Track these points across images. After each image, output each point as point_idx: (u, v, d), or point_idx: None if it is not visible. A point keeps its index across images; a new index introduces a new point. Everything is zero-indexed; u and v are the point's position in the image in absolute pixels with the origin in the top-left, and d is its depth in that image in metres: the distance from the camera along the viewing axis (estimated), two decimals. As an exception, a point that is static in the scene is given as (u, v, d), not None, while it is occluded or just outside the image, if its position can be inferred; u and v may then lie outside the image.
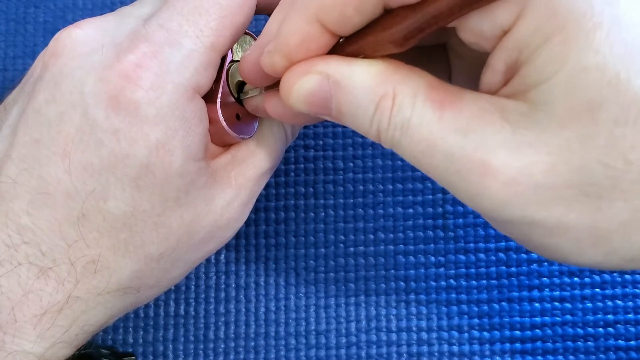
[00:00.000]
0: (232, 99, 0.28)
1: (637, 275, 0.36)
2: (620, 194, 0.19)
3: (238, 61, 0.28)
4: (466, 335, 0.36)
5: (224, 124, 0.27)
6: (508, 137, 0.20)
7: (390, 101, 0.22)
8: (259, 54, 0.24)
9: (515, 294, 0.36)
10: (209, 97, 0.27)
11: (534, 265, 0.37)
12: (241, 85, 0.28)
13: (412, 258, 0.37)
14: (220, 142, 0.28)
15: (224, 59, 0.27)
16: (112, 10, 0.39)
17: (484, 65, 0.22)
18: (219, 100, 0.27)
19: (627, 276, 0.36)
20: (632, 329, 0.36)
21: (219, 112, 0.27)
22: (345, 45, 0.23)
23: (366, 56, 0.22)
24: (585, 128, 0.19)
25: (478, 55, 0.22)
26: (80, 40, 0.26)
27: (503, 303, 0.36)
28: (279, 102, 0.25)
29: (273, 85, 0.26)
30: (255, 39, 0.29)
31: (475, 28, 0.21)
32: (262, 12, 0.28)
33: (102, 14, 0.28)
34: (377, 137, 0.23)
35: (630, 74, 0.18)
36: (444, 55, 0.27)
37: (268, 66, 0.24)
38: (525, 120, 0.20)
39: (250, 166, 0.28)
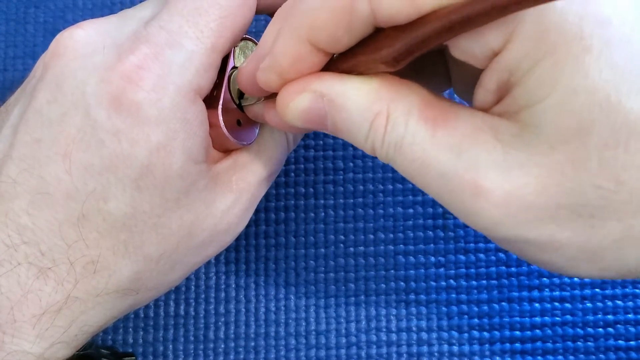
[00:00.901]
0: (233, 105, 0.28)
1: (637, 276, 0.36)
2: (613, 214, 0.20)
3: None
4: (466, 335, 0.36)
5: (225, 129, 0.27)
6: (500, 157, 0.20)
7: (384, 119, 0.22)
8: (255, 66, 0.24)
9: (515, 294, 0.36)
10: (210, 103, 0.27)
11: (534, 266, 0.37)
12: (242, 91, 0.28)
13: (412, 258, 0.37)
14: (221, 147, 0.28)
15: (225, 64, 0.27)
16: (112, 10, 0.39)
17: (480, 71, 0.22)
18: (220, 105, 0.27)
19: (627, 276, 0.36)
20: (632, 329, 0.36)
21: (220, 117, 0.27)
22: (339, 61, 0.23)
23: (360, 73, 0.22)
24: (576, 151, 0.19)
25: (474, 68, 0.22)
26: (82, 41, 0.26)
27: (503, 303, 0.36)
28: (277, 113, 0.25)
29: (272, 95, 0.26)
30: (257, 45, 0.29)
31: (466, 49, 0.21)
32: (263, 13, 0.28)
33: (102, 14, 0.28)
34: (373, 153, 0.23)
35: (621, 96, 0.18)
36: (443, 58, 0.27)
37: (263, 83, 0.24)
38: (517, 141, 0.20)
39: (252, 171, 0.29)
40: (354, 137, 0.23)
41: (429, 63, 0.27)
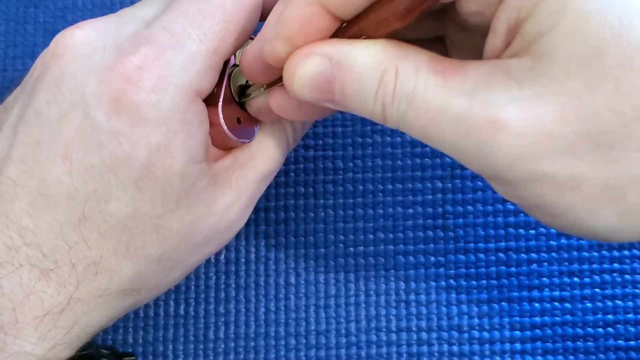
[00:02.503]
0: (233, 103, 0.28)
1: (637, 276, 0.36)
2: (633, 144, 0.19)
3: None
4: (466, 335, 0.36)
5: (225, 127, 0.27)
6: (515, 92, 0.20)
7: (394, 75, 0.22)
8: (261, 47, 0.24)
9: (515, 294, 0.37)
10: (210, 101, 0.27)
11: (534, 265, 0.37)
12: (243, 89, 0.28)
13: (412, 258, 0.37)
14: (221, 145, 0.28)
15: (226, 62, 0.27)
16: (112, 10, 0.39)
17: (481, 54, 0.22)
18: (220, 103, 0.27)
19: (627, 276, 0.36)
20: (632, 329, 0.36)
21: (220, 115, 0.27)
22: (347, 29, 0.23)
23: (369, 36, 0.22)
24: (591, 74, 0.19)
25: (476, 43, 0.22)
26: (82, 41, 0.26)
27: (503, 303, 0.36)
28: (282, 96, 0.26)
29: (274, 82, 0.26)
30: None
31: None
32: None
33: (102, 14, 0.28)
34: (382, 115, 0.23)
35: (632, 18, 0.18)
36: (442, 48, 0.27)
37: (270, 54, 0.24)
38: (531, 74, 0.20)
39: (251, 170, 0.29)
40: (362, 100, 0.23)
41: (427, 30, 0.27)
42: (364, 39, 0.23)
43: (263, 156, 0.29)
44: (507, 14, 0.20)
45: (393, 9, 0.21)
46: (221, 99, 0.27)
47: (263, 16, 0.27)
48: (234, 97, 0.28)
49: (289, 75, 0.23)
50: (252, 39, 0.29)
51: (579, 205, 0.21)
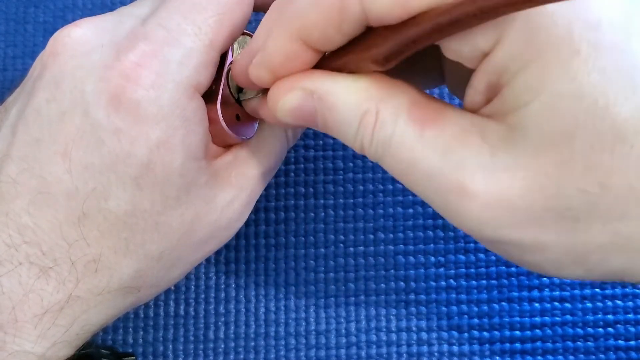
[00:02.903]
0: (232, 100, 0.28)
1: (637, 275, 0.36)
2: (598, 218, 0.20)
3: None
4: (466, 335, 0.36)
5: (224, 124, 0.27)
6: (486, 159, 0.20)
7: (373, 118, 0.22)
8: (248, 61, 0.24)
9: (515, 294, 0.37)
10: (209, 98, 0.27)
11: (533, 266, 0.37)
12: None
13: (412, 258, 0.37)
14: (221, 142, 0.28)
15: (224, 60, 0.27)
16: (112, 10, 0.39)
17: (472, 69, 0.22)
18: (219, 100, 0.27)
19: (627, 276, 0.36)
20: (632, 329, 0.36)
21: (219, 112, 0.27)
22: (331, 59, 0.23)
23: (351, 71, 0.23)
24: (561, 154, 0.19)
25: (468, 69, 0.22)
26: (80, 40, 0.26)
27: (503, 303, 0.36)
28: None
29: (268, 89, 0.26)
30: None
31: (456, 50, 0.21)
32: (261, 10, 0.28)
33: (102, 14, 0.28)
34: (361, 151, 0.23)
35: (608, 100, 0.18)
36: (438, 54, 0.27)
37: (255, 79, 0.24)
38: (504, 144, 0.20)
39: (252, 167, 0.29)
40: (343, 135, 0.23)
41: (423, 59, 0.27)
42: (347, 71, 0.23)
43: (263, 153, 0.29)
44: (487, 74, 0.21)
45: (371, 56, 0.21)
46: (219, 96, 0.27)
47: (256, 7, 0.27)
48: (232, 94, 0.28)
49: (272, 103, 0.24)
50: (247, 34, 0.29)
51: (544, 263, 0.22)
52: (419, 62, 0.27)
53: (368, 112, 0.22)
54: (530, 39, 0.19)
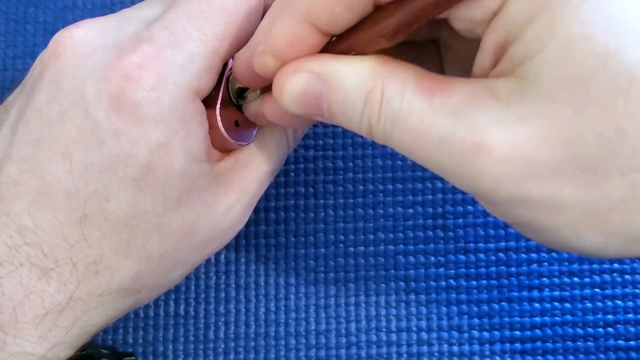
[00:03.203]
0: (231, 106, 0.28)
1: (637, 276, 0.36)
2: (616, 168, 0.19)
3: None
4: (466, 335, 0.36)
5: (223, 129, 0.27)
6: (499, 114, 0.20)
7: (379, 94, 0.22)
8: (251, 54, 0.24)
9: (515, 294, 0.37)
10: (208, 103, 0.27)
11: (534, 266, 0.37)
12: (241, 92, 0.28)
13: (412, 258, 0.37)
14: (221, 147, 0.28)
15: (225, 65, 0.27)
16: (112, 10, 0.39)
17: (474, 59, 0.22)
18: (218, 105, 0.27)
19: (627, 276, 0.37)
20: (632, 329, 0.36)
21: (218, 117, 0.27)
22: (336, 43, 0.23)
23: (357, 53, 0.22)
24: (576, 99, 0.19)
25: (469, 48, 0.22)
26: (81, 41, 0.26)
27: (503, 303, 0.36)
28: (275, 104, 0.25)
29: (268, 87, 0.26)
30: None
31: (466, 16, 0.21)
32: None
33: (102, 14, 0.28)
34: (369, 132, 0.23)
35: (619, 46, 0.18)
36: (436, 51, 0.27)
37: (259, 67, 0.24)
38: (516, 96, 0.20)
39: (253, 170, 0.29)
40: (350, 117, 0.23)
41: (421, 55, 0.27)
42: (354, 54, 0.23)
43: (264, 157, 0.29)
44: (495, 34, 0.20)
45: (380, 30, 0.21)
46: (219, 102, 0.27)
47: None
48: (232, 100, 0.28)
49: (277, 90, 0.24)
50: None
51: (564, 226, 0.21)
52: (417, 55, 0.27)
53: (374, 89, 0.22)
54: None
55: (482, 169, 0.20)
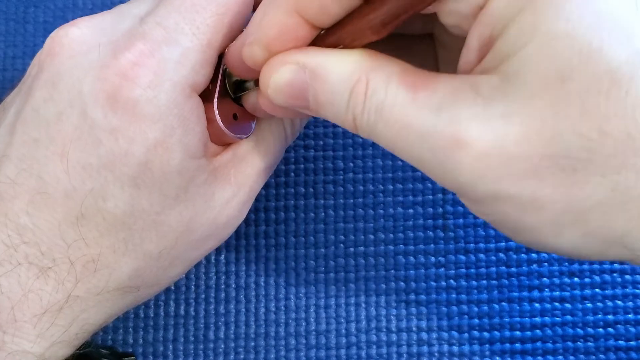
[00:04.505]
0: (229, 99, 0.28)
1: (637, 276, 0.36)
2: (597, 168, 0.19)
3: None
4: (466, 335, 0.36)
5: (221, 123, 0.27)
6: (480, 110, 0.20)
7: (364, 86, 0.22)
8: (243, 43, 0.24)
9: (515, 294, 0.36)
10: (206, 97, 0.27)
11: (534, 266, 0.37)
12: (238, 84, 0.28)
13: (412, 258, 0.37)
14: (219, 141, 0.28)
15: (221, 58, 0.27)
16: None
17: None
18: (215, 99, 0.27)
19: (627, 276, 0.36)
20: (632, 329, 0.36)
21: (216, 111, 0.27)
22: (325, 36, 0.23)
23: (346, 46, 0.23)
24: (557, 97, 0.19)
25: (460, 44, 0.22)
26: (77, 39, 0.26)
27: (503, 303, 0.36)
28: None
29: None
30: None
31: (453, 10, 0.21)
32: None
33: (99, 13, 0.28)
34: (353, 124, 0.23)
35: (603, 43, 0.18)
36: (431, 45, 0.27)
37: (248, 58, 0.24)
38: (498, 93, 0.20)
39: (250, 164, 0.29)
40: (335, 109, 0.23)
41: (416, 50, 0.27)
42: (342, 48, 0.23)
43: (262, 150, 0.29)
44: (480, 29, 0.20)
45: (368, 22, 0.21)
46: (216, 95, 0.27)
47: (255, 8, 0.27)
48: (229, 93, 0.28)
49: (264, 81, 0.24)
50: None
51: (542, 225, 0.21)
52: (413, 54, 0.27)
53: (359, 81, 0.22)
54: None
55: (461, 164, 0.20)
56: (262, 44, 0.23)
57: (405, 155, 0.22)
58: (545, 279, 0.37)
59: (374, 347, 0.36)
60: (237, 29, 0.26)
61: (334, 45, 0.23)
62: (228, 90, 0.28)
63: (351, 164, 0.38)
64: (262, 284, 0.37)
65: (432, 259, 0.37)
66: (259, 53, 0.24)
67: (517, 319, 0.36)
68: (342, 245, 0.37)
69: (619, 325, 0.36)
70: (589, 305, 0.36)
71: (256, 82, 0.27)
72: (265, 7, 0.23)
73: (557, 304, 0.36)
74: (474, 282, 0.37)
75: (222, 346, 0.36)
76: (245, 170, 0.28)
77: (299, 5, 0.22)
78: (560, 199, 0.20)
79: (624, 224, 0.20)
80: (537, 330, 0.36)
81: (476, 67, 0.21)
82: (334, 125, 0.38)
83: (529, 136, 0.19)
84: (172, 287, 0.36)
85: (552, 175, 0.20)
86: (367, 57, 0.22)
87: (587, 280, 0.36)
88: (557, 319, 0.36)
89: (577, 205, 0.20)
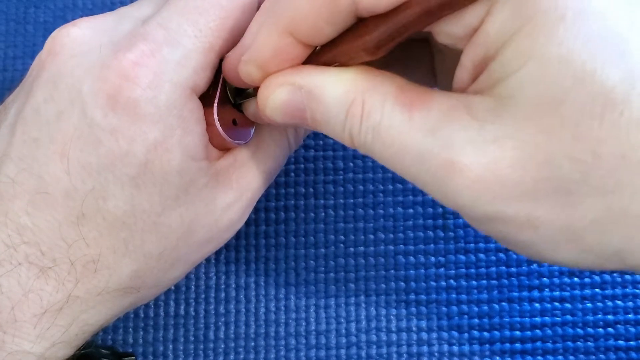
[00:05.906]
0: (229, 104, 0.28)
1: (637, 276, 0.36)
2: (591, 189, 0.19)
3: None
4: (466, 335, 0.36)
5: (220, 128, 0.27)
6: (474, 133, 0.20)
7: (360, 107, 0.22)
8: (238, 57, 0.24)
9: (515, 294, 0.36)
10: (206, 102, 0.27)
11: (534, 265, 0.37)
12: (238, 91, 0.28)
13: (412, 258, 0.37)
14: (218, 146, 0.28)
15: (222, 63, 0.27)
16: (112, 10, 0.39)
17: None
18: (216, 104, 0.27)
19: (627, 276, 0.36)
20: (632, 329, 0.36)
21: (215, 115, 0.27)
22: (320, 54, 0.23)
23: (341, 64, 0.23)
24: (551, 121, 0.19)
25: (457, 52, 0.22)
26: (78, 39, 0.26)
27: (503, 303, 0.36)
28: None
29: None
30: None
31: (447, 31, 0.21)
32: None
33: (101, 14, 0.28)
34: (351, 143, 0.23)
35: (596, 65, 0.18)
36: (427, 50, 0.27)
37: (245, 76, 0.24)
38: (492, 116, 0.20)
39: (252, 169, 0.29)
40: (332, 128, 0.23)
41: (413, 55, 0.27)
42: (337, 65, 0.23)
43: (264, 156, 0.29)
44: (474, 50, 0.21)
45: (363, 44, 0.21)
46: (216, 100, 0.27)
47: None
48: (230, 99, 0.28)
49: (262, 102, 0.24)
50: None
51: (539, 242, 0.21)
52: (410, 63, 0.27)
53: (355, 102, 0.22)
54: (518, 8, 0.19)
55: (458, 186, 0.20)
56: (257, 64, 0.23)
57: (405, 175, 0.22)
58: (545, 279, 0.37)
59: (374, 347, 0.36)
60: (239, 34, 0.26)
61: (330, 63, 0.23)
62: (228, 96, 0.28)
63: (351, 164, 0.38)
64: (262, 284, 0.37)
65: (432, 259, 0.37)
66: (255, 72, 0.24)
67: (517, 319, 0.36)
68: (342, 245, 0.37)
69: (619, 325, 0.36)
70: (589, 305, 0.36)
71: (256, 90, 0.27)
72: (259, 23, 0.24)
73: (557, 304, 0.36)
74: (474, 282, 0.37)
75: (222, 346, 0.36)
76: (247, 175, 0.28)
77: (291, 26, 0.22)
78: (556, 219, 0.20)
79: (620, 240, 0.20)
80: (537, 330, 0.36)
81: (470, 86, 0.21)
82: (334, 125, 0.38)
83: (523, 160, 0.19)
84: (172, 287, 0.36)
85: (546, 197, 0.20)
86: (362, 75, 0.22)
87: (587, 280, 0.36)
88: (557, 319, 0.36)
89: (573, 225, 0.20)
